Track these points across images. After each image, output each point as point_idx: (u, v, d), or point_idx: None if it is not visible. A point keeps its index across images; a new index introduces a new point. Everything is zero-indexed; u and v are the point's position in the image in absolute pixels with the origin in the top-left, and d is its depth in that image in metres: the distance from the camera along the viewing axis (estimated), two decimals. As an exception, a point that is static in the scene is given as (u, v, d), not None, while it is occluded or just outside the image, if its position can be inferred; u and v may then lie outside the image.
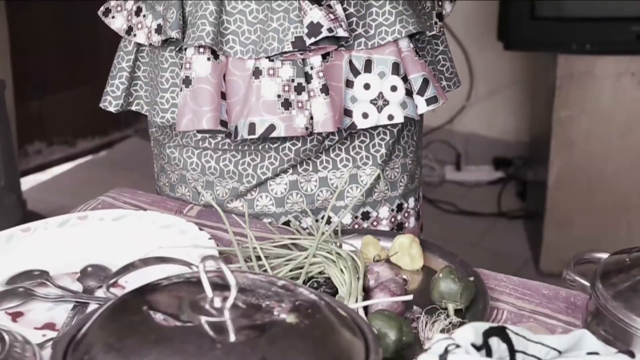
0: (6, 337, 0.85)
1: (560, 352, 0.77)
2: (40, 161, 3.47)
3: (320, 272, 1.12)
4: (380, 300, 1.04)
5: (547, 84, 2.81)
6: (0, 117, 2.66)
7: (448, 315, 1.04)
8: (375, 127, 1.32)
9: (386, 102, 1.25)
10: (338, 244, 1.15)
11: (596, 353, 0.76)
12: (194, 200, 1.36)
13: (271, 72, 1.22)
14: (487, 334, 0.76)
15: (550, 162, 2.78)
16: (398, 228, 1.39)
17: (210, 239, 1.18)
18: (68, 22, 3.31)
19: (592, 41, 2.62)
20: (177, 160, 1.36)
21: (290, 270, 1.12)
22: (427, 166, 3.47)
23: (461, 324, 1.01)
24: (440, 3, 1.35)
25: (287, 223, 1.33)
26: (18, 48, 3.07)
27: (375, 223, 1.37)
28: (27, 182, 3.31)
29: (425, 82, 1.26)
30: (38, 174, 3.46)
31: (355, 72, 1.25)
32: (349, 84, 1.25)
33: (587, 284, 1.00)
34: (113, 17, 1.31)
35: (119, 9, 1.30)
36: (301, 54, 1.21)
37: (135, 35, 1.28)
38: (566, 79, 2.68)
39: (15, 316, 1.05)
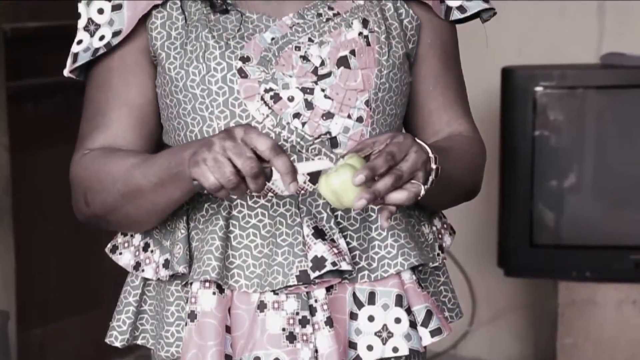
0: None
1: None
2: (40, 391, 3.41)
3: None
4: None
5: (548, 311, 2.81)
6: (2, 349, 2.64)
7: None
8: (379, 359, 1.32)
9: (390, 334, 1.26)
10: None
11: None
12: None
13: (276, 305, 1.24)
14: None
15: (556, 389, 2.74)
16: None
17: None
18: (74, 251, 3.36)
19: (591, 269, 2.64)
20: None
21: None
22: (432, 393, 3.41)
23: None
24: (440, 236, 1.38)
25: None
26: (24, 277, 3.10)
27: None
28: (25, 413, 3.24)
29: (429, 314, 1.28)
30: (37, 404, 3.39)
31: (359, 305, 1.27)
32: (353, 316, 1.27)
33: None
34: (120, 253, 1.33)
35: (126, 245, 1.33)
36: (305, 287, 1.23)
37: (143, 270, 1.30)
38: (568, 306, 2.68)
39: None
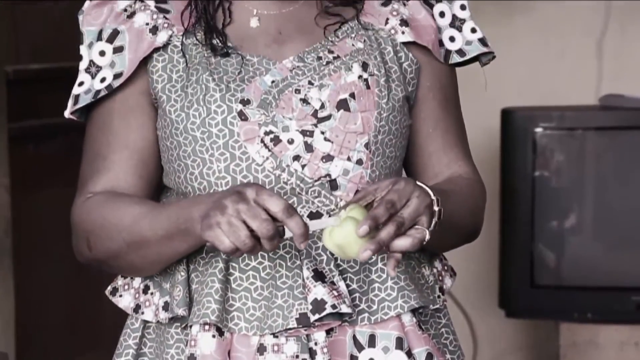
0: None
1: None
2: None
3: None
4: None
5: (550, 352, 2.80)
6: (2, 389, 2.63)
7: None
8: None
9: (389, 378, 1.26)
10: None
11: None
12: None
13: (275, 348, 1.24)
14: None
15: None
16: None
17: None
18: (74, 293, 3.35)
19: (593, 310, 2.64)
20: None
21: None
22: None
23: None
24: (440, 278, 1.38)
25: None
26: (23, 319, 3.09)
27: None
28: None
29: (430, 357, 1.28)
30: None
31: (359, 347, 1.27)
32: (353, 359, 1.26)
33: None
34: (120, 295, 1.33)
35: (126, 287, 1.33)
36: (305, 330, 1.23)
37: (143, 313, 1.30)
38: (570, 347, 2.67)
39: None
